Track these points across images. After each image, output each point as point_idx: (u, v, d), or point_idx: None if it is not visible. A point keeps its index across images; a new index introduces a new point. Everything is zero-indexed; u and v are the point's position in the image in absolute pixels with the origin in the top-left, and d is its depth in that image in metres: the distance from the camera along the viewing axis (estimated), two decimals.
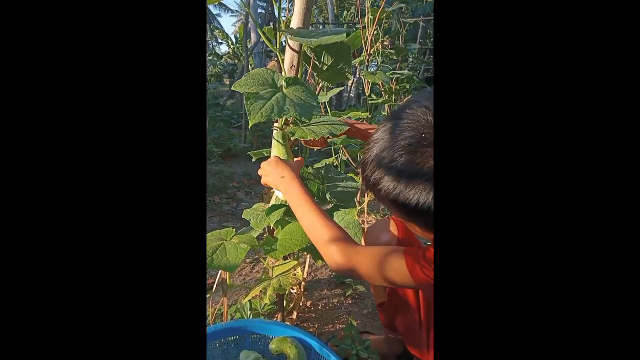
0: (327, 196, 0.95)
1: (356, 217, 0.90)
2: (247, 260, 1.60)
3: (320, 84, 1.44)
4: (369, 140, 0.60)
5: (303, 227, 0.73)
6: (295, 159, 0.89)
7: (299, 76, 0.91)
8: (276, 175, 0.79)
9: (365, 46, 1.65)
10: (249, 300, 1.07)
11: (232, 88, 0.75)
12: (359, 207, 1.94)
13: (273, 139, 0.89)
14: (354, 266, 0.65)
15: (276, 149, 0.88)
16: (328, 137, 0.98)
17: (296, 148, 1.21)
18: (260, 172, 0.84)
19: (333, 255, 0.66)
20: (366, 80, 1.66)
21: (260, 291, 1.17)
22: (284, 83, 0.78)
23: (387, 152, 0.55)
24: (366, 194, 1.96)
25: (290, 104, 0.71)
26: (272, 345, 0.78)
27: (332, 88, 1.69)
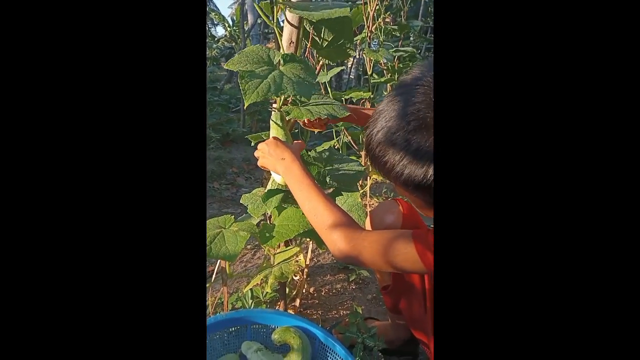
0: (328, 179, 0.91)
1: (359, 200, 0.86)
2: (248, 246, 1.57)
3: (321, 62, 1.38)
4: (375, 111, 0.56)
5: (304, 212, 0.69)
6: (295, 142, 0.84)
7: (298, 53, 0.86)
8: (275, 157, 0.74)
9: (366, 23, 1.58)
10: (250, 289, 1.04)
11: (225, 66, 0.70)
12: (362, 191, 1.90)
13: (271, 121, 0.84)
14: (359, 252, 0.61)
15: (275, 132, 0.83)
16: (328, 120, 0.94)
17: (296, 131, 1.16)
18: (257, 153, 0.79)
19: (336, 241, 0.62)
20: (368, 59, 1.60)
21: (262, 279, 1.14)
22: (280, 60, 0.73)
23: (394, 121, 0.51)
24: (368, 177, 1.92)
25: (288, 82, 0.66)
26: (275, 336, 0.75)
27: (332, 67, 1.63)
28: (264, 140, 0.81)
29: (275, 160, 0.74)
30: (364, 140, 0.59)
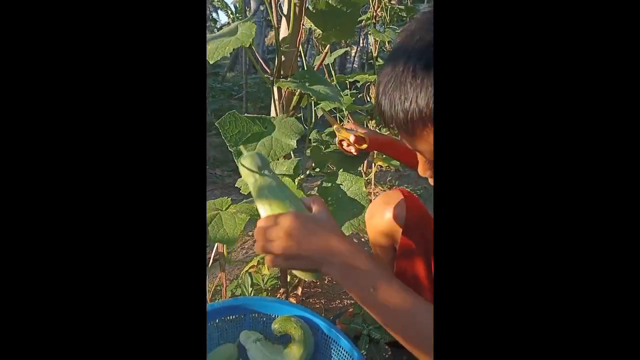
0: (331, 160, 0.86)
1: (364, 188, 0.82)
2: (250, 233, 1.53)
3: (327, 48, 1.31)
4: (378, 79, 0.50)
5: (384, 323, 0.48)
6: (316, 209, 0.52)
7: (300, 34, 0.80)
8: (313, 257, 0.47)
9: (372, 3, 1.52)
10: (250, 275, 1.00)
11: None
12: (366, 178, 1.85)
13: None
14: None
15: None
16: (367, 147, 0.85)
17: (299, 115, 1.10)
18: (259, 248, 0.49)
19: None
20: (374, 41, 1.54)
21: (259, 262, 1.10)
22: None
23: (399, 63, 0.45)
24: (373, 165, 1.87)
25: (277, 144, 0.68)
26: (275, 326, 0.71)
27: (336, 49, 1.57)
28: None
29: (315, 259, 0.47)
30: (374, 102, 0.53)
